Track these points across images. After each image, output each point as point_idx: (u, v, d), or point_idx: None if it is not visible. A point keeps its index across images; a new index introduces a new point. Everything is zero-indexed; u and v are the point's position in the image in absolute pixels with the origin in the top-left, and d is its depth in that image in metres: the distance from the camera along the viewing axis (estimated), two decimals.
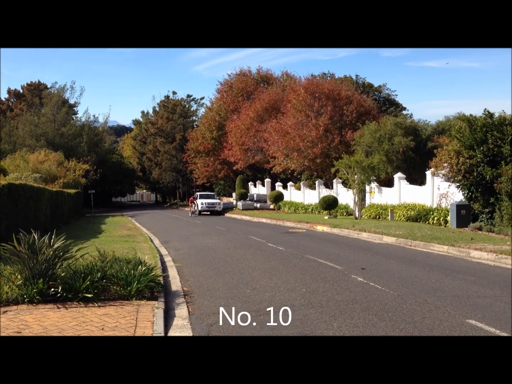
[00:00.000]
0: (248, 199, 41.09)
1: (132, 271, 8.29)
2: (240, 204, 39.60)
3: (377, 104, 42.31)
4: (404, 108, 49.55)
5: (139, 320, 6.46)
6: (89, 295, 7.41)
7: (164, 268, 11.31)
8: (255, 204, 39.73)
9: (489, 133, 17.68)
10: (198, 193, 40.22)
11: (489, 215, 18.03)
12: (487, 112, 18.38)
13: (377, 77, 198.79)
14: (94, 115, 74.24)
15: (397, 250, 13.48)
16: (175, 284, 9.47)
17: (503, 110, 18.50)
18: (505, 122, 18.00)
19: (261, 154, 40.47)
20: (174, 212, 43.83)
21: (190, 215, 34.84)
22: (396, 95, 51.36)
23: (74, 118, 58.47)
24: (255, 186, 47.90)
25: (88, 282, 7.60)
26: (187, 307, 7.54)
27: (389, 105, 48.03)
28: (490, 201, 17.76)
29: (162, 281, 8.94)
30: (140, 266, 8.69)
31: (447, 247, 12.83)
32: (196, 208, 35.37)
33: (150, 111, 73.68)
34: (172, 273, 10.75)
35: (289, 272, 10.18)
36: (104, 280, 8.03)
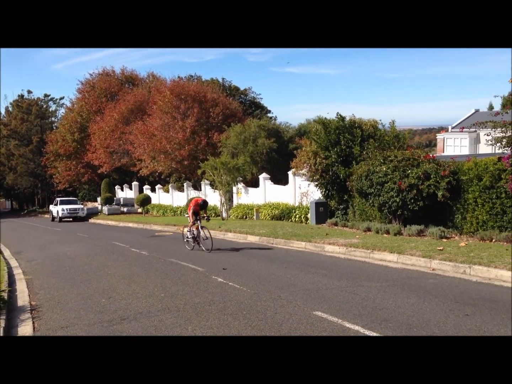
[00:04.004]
0: (114, 203, 39.42)
1: None
2: (105, 209, 37.85)
3: (243, 107, 43.38)
4: (269, 111, 51.46)
5: None
6: None
7: (12, 282, 10.30)
8: (122, 209, 38.27)
9: (342, 135, 18.96)
10: (59, 199, 37.64)
11: (344, 211, 19.40)
12: (339, 116, 19.72)
13: (243, 80, 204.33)
14: None
15: (258, 249, 13.84)
16: (22, 298, 8.65)
17: (353, 114, 20.01)
18: (355, 125, 19.48)
19: (127, 157, 39.13)
20: (32, 220, 40.56)
21: (185, 238, 15.05)
22: (261, 98, 53.25)
23: None
24: (122, 190, 46.16)
25: None
26: (33, 323, 6.90)
27: (254, 108, 49.50)
28: (344, 198, 19.13)
29: (5, 297, 8.09)
30: None
31: (305, 243, 13.50)
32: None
33: (3, 112, 67.17)
34: (21, 286, 9.82)
35: (149, 277, 9.88)
36: None
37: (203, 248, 13.43)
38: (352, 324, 5.87)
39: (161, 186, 39.55)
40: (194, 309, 7.10)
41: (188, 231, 14.24)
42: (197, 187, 34.41)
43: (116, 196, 44.05)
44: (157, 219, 28.39)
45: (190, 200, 14.86)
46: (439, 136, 43.45)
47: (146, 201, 34.78)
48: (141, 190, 41.96)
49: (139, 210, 36.78)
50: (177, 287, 8.76)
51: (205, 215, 14.39)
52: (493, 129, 11.77)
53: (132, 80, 48.73)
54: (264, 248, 13.89)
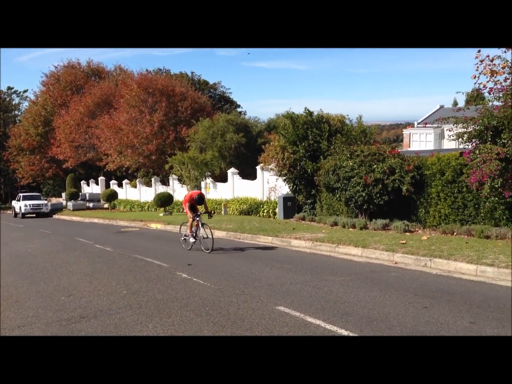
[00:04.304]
0: (80, 198, 38.65)
1: None
2: (70, 204, 37.07)
3: (212, 101, 43.09)
4: (238, 106, 51.30)
5: None
6: None
7: None
8: (87, 204, 37.54)
9: (310, 130, 19.02)
10: (21, 194, 36.65)
11: (311, 205, 19.51)
12: (307, 111, 19.77)
13: (212, 75, 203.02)
14: None
15: (227, 244, 13.78)
16: None
17: (320, 109, 20.10)
18: (322, 120, 19.57)
19: (93, 151, 38.41)
20: None
21: (182, 237, 13.48)
22: (231, 93, 52.91)
23: None
24: (88, 185, 45.29)
25: None
26: None
27: (224, 102, 49.24)
28: (312, 193, 19.23)
29: None
30: None
31: (272, 238, 13.51)
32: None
33: None
34: None
35: (112, 274, 9.68)
36: None
37: (202, 248, 12.18)
38: (314, 318, 5.87)
39: (128, 181, 38.99)
40: (156, 306, 6.99)
41: (187, 229, 12.88)
42: (165, 182, 34.06)
43: (82, 191, 43.21)
44: (123, 215, 27.96)
45: (185, 195, 13.24)
46: (406, 132, 44.23)
47: (112, 196, 34.19)
48: (107, 185, 41.26)
49: (106, 205, 36.17)
50: (140, 283, 8.61)
51: (206, 211, 13.07)
52: (455, 125, 11.99)
53: (99, 73, 47.79)
54: (230, 243, 13.82)
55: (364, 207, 15.48)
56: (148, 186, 35.84)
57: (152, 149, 31.47)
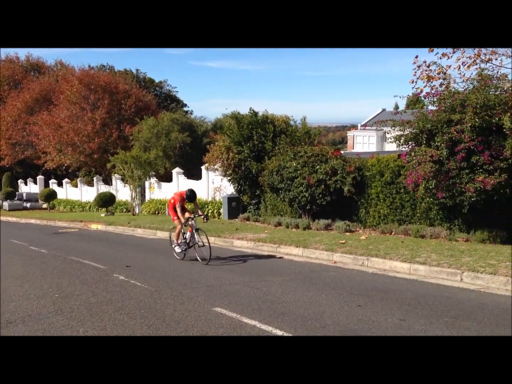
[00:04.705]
0: (16, 198, 36.92)
1: None
2: (6, 204, 35.34)
3: (157, 100, 42.38)
4: (185, 105, 50.73)
5: None
6: None
7: None
8: (24, 204, 35.91)
9: (255, 130, 19.04)
10: None
11: (256, 206, 19.56)
12: (252, 111, 19.80)
13: (159, 73, 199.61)
14: None
15: (168, 245, 13.53)
16: None
17: (265, 110, 20.19)
18: (267, 121, 19.66)
19: (32, 149, 36.80)
20: None
21: (173, 244, 11.35)
22: (177, 91, 52.30)
23: None
24: (26, 184, 43.35)
25: None
26: None
27: (170, 101, 48.57)
28: (256, 193, 19.27)
29: None
30: None
31: (214, 238, 13.40)
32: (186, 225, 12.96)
33: None
34: None
35: (45, 277, 9.26)
36: None
37: (198, 258, 10.24)
38: (250, 319, 5.84)
39: (69, 181, 37.64)
40: (89, 309, 6.74)
41: (179, 234, 10.84)
42: (108, 181, 33.14)
43: (19, 190, 41.32)
44: (62, 215, 26.95)
45: (173, 196, 10.97)
46: (350, 134, 45.30)
47: (51, 196, 32.82)
48: (47, 185, 39.65)
49: (44, 205, 34.74)
50: (74, 286, 8.29)
51: (201, 213, 10.94)
52: (393, 128, 12.34)
53: (38, 68, 45.88)
54: None
55: (307, 208, 15.66)
56: (90, 186, 34.75)
57: (94, 147, 30.52)
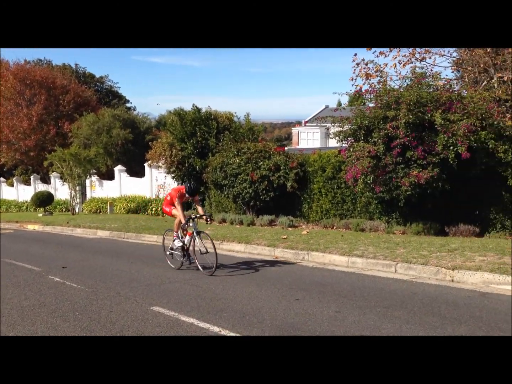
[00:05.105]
0: None
1: None
2: None
3: (99, 96, 41.18)
4: (128, 101, 49.54)
5: None
6: None
7: None
8: None
9: (198, 127, 18.91)
10: None
11: (201, 203, 19.41)
12: (195, 107, 19.64)
13: (100, 68, 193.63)
14: None
15: (109, 244, 13.22)
16: None
17: (209, 106, 20.08)
18: (211, 117, 19.55)
19: None
20: None
21: (167, 251, 9.60)
22: (119, 87, 50.98)
23: None
24: None
25: None
26: None
27: (112, 97, 47.28)
28: (201, 190, 19.14)
29: None
30: None
31: (157, 237, 13.20)
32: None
33: None
34: None
35: None
36: None
37: (199, 267, 8.52)
38: (188, 317, 5.78)
39: (4, 180, 35.92)
40: (20, 313, 6.43)
41: (179, 225, 9.04)
42: (46, 180, 31.91)
43: None
44: None
45: (171, 192, 9.27)
46: (294, 130, 45.91)
47: None
48: None
49: None
50: (6, 290, 7.89)
51: (202, 214, 9.14)
52: (332, 124, 12.57)
53: None
54: (113, 243, 13.26)
55: (251, 204, 15.72)
56: (27, 185, 33.32)
57: (31, 145, 29.29)
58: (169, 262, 9.32)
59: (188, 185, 8.89)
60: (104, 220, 17.83)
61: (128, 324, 5.65)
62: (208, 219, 8.99)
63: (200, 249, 8.55)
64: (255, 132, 19.41)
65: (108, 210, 22.79)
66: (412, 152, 10.57)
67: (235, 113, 20.29)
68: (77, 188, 24.21)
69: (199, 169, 18.45)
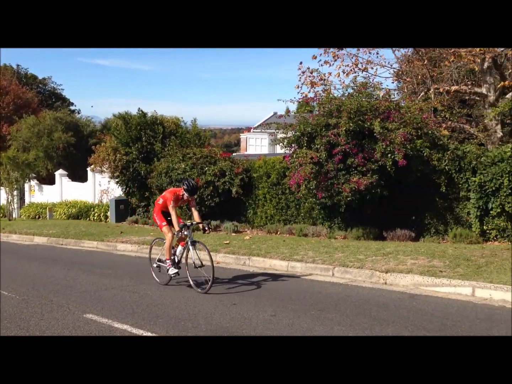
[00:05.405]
0: None
1: None
2: None
3: (41, 98, 39.78)
4: (72, 103, 48.10)
5: None
6: None
7: None
8: None
9: (143, 131, 18.63)
10: None
11: (145, 208, 19.11)
12: (141, 112, 19.35)
13: (44, 69, 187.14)
14: None
15: (46, 250, 12.75)
16: None
17: (155, 110, 19.83)
18: (156, 122, 19.31)
19: None
20: None
21: (154, 263, 8.27)
22: (63, 89, 49.40)
23: None
24: None
25: None
26: None
27: (55, 99, 45.78)
28: (146, 195, 18.84)
29: None
30: None
31: (97, 243, 12.88)
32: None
33: None
34: None
35: None
36: None
37: (191, 283, 7.39)
38: (121, 323, 5.65)
39: None
40: None
41: (170, 249, 7.74)
42: None
43: None
44: None
45: (165, 194, 7.87)
46: (243, 136, 46.12)
47: None
48: None
49: None
50: None
51: (199, 221, 7.63)
52: (276, 131, 12.72)
53: None
54: (50, 249, 12.77)
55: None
56: None
57: None
58: (154, 276, 8.07)
59: (187, 182, 7.52)
60: (42, 226, 17.18)
61: (58, 332, 5.45)
62: (206, 228, 7.61)
63: (194, 262, 7.32)
64: (202, 137, 19.37)
65: (48, 216, 21.98)
66: (352, 159, 10.85)
67: (182, 118, 20.18)
68: (15, 193, 23.19)
69: (144, 174, 18.16)
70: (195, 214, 7.66)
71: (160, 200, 7.89)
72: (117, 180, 19.52)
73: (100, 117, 44.17)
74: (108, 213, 19.52)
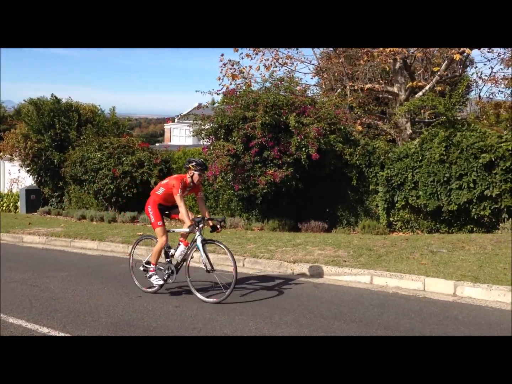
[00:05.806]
0: None
1: None
2: None
3: None
4: None
5: None
6: None
7: None
8: None
9: (57, 118, 17.83)
10: None
11: (59, 198, 18.37)
12: (54, 98, 18.47)
13: None
14: None
15: None
16: None
17: (69, 97, 19.01)
18: (71, 109, 18.52)
19: None
20: None
21: (142, 268, 6.81)
22: None
23: None
24: None
25: None
26: None
27: None
28: (59, 185, 18.09)
29: None
30: None
31: (2, 234, 12.15)
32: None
33: None
34: None
35: None
36: None
37: (194, 291, 6.18)
38: (17, 318, 5.37)
39: None
40: None
41: (160, 253, 6.48)
42: None
43: None
44: None
45: (169, 180, 6.40)
46: (167, 126, 45.32)
47: None
48: None
49: None
50: None
51: (208, 214, 6.48)
52: (194, 121, 12.62)
53: None
54: None
55: (113, 200, 15.23)
56: None
57: None
58: (136, 282, 6.72)
59: (194, 159, 6.30)
60: None
61: None
62: (218, 226, 6.37)
63: (206, 266, 6.13)
64: (121, 126, 18.85)
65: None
66: (269, 152, 11.01)
67: (99, 105, 19.49)
68: None
69: (58, 163, 17.41)
70: (204, 208, 6.53)
71: (160, 190, 6.37)
72: (28, 168, 18.58)
73: (14, 102, 41.65)
74: (18, 203, 18.52)
